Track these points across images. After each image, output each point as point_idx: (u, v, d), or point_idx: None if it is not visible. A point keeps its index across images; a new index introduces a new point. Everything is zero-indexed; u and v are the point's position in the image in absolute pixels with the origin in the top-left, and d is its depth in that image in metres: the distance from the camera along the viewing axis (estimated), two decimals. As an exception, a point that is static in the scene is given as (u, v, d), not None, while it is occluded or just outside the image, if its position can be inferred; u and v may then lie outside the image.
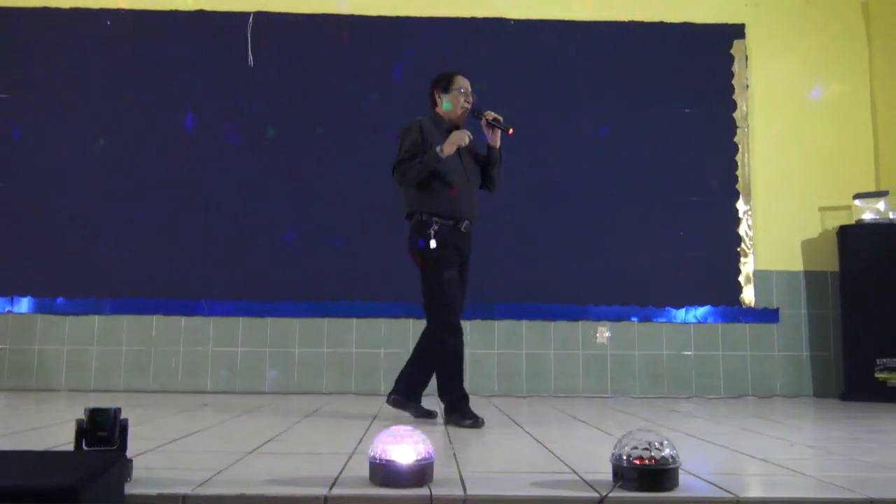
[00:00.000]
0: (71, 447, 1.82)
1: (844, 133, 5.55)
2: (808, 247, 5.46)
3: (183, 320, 5.18)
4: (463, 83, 3.57)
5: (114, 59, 5.38)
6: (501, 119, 3.51)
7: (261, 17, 5.42)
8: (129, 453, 1.82)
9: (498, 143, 3.57)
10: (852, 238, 5.17)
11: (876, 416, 3.90)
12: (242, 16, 5.41)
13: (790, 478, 2.04)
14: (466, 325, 5.11)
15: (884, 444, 2.77)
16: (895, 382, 4.89)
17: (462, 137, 3.41)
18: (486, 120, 3.51)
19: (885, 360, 4.92)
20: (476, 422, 3.24)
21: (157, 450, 2.40)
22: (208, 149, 5.31)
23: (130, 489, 1.70)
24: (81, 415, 1.83)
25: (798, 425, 3.54)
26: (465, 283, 3.53)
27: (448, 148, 3.37)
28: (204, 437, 2.78)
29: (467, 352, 5.14)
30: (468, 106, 3.54)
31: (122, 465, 1.67)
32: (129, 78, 5.36)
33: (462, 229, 3.45)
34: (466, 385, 3.42)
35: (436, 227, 3.37)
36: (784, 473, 2.10)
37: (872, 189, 5.41)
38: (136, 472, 1.85)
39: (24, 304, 5.14)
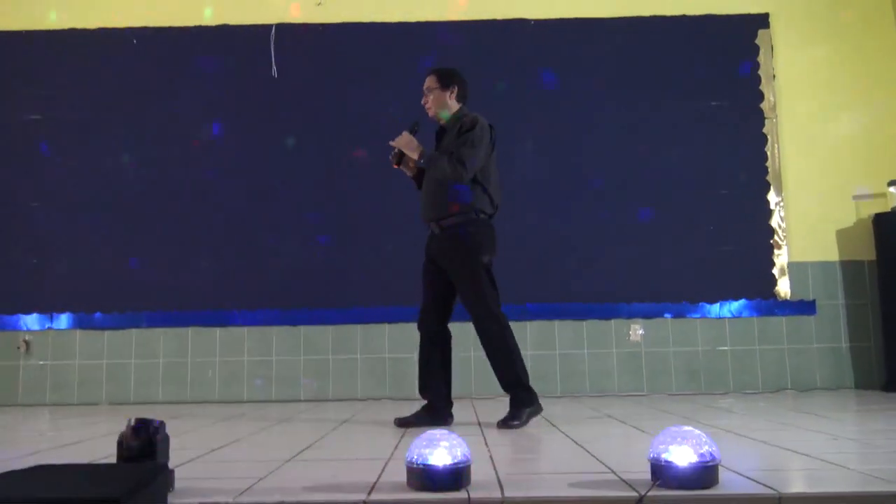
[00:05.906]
0: (114, 459, 1.85)
1: (875, 118, 5.45)
2: (843, 236, 5.36)
3: (218, 331, 5.25)
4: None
5: (141, 77, 5.47)
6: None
7: (283, 28, 5.48)
8: (170, 464, 1.85)
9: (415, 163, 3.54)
10: (889, 226, 5.07)
11: (920, 407, 3.82)
12: (265, 28, 5.48)
13: (833, 472, 2.00)
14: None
15: (929, 435, 2.71)
16: (939, 371, 4.79)
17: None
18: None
19: (927, 349, 4.82)
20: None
21: (197, 460, 2.43)
22: (235, 161, 5.38)
23: (173, 499, 1.73)
24: (123, 428, 1.86)
25: (839, 418, 3.48)
26: (458, 282, 3.43)
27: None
28: (243, 447, 2.82)
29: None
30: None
31: (164, 476, 1.70)
32: (155, 94, 5.45)
33: (431, 231, 3.52)
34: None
35: None
36: (826, 468, 2.07)
37: (907, 175, 5.31)
38: (178, 482, 1.88)
39: (63, 321, 5.24)
